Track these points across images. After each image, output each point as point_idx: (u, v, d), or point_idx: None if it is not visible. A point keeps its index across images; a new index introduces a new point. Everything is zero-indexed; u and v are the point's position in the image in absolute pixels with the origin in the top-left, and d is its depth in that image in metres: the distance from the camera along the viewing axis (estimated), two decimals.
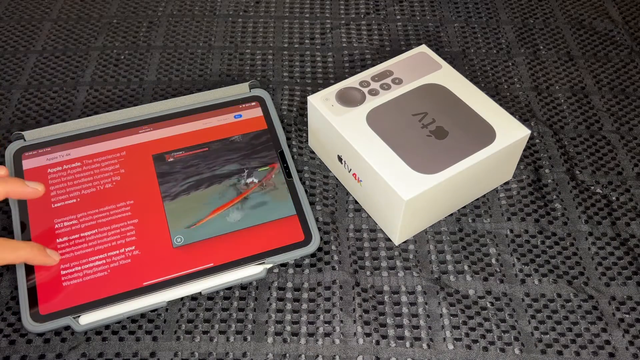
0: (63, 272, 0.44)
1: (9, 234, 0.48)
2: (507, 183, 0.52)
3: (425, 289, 0.46)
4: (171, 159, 0.50)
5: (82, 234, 0.46)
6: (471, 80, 0.60)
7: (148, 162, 0.50)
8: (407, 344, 0.43)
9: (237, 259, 0.46)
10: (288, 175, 0.50)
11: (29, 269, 0.44)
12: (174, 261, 0.45)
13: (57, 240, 0.46)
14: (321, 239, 0.48)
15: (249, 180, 0.49)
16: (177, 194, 0.48)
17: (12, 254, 0.40)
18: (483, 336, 0.43)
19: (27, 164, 0.49)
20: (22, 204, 0.47)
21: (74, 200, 0.48)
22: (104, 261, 0.45)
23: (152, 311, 0.44)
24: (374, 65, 0.60)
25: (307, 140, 0.56)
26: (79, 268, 0.45)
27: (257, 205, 0.48)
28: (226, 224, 0.47)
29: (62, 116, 0.58)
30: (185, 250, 0.46)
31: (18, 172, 0.49)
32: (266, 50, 0.64)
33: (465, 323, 0.44)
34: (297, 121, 0.57)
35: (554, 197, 0.51)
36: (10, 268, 0.47)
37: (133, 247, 0.46)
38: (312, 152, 0.55)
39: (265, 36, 0.65)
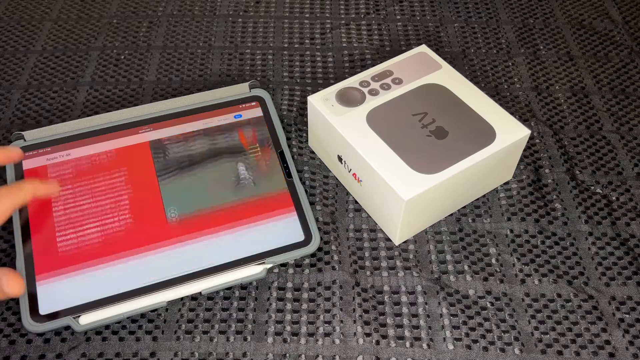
0: (59, 239, 0.46)
1: (8, 233, 0.49)
2: (507, 183, 0.52)
3: (425, 289, 0.46)
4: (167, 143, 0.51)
5: (76, 201, 0.47)
6: (471, 80, 0.60)
7: (148, 162, 0.50)
8: (407, 344, 0.43)
9: (230, 229, 0.47)
10: (288, 175, 0.50)
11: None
12: (168, 232, 0.46)
13: (53, 209, 0.47)
14: (321, 239, 0.48)
15: (243, 168, 0.50)
16: (172, 172, 0.50)
17: (17, 197, 0.42)
18: (483, 336, 0.43)
19: (27, 164, 0.49)
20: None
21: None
22: (98, 228, 0.46)
23: (152, 311, 0.44)
24: (374, 65, 0.60)
25: (307, 140, 0.56)
26: (74, 235, 0.46)
27: (249, 181, 0.50)
28: (219, 197, 0.48)
29: (62, 116, 0.58)
30: (179, 222, 0.47)
31: (18, 172, 0.49)
32: (266, 50, 0.64)
33: (465, 323, 0.44)
34: (297, 121, 0.57)
35: (554, 197, 0.51)
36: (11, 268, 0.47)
37: (127, 216, 0.47)
38: (312, 152, 0.55)
39: (265, 36, 0.65)
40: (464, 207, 0.51)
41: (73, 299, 0.43)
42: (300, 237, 0.47)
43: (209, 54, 0.63)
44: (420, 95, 0.51)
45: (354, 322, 0.44)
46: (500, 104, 0.58)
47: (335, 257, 0.47)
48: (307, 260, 0.47)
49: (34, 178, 0.47)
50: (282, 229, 0.47)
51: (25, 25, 0.67)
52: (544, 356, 0.42)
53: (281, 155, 0.51)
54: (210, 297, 0.45)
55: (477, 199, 0.51)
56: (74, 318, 0.43)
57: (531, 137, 0.56)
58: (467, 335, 0.43)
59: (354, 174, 0.49)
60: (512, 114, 0.57)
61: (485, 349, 0.43)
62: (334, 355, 0.42)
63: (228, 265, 0.45)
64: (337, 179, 0.53)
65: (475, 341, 0.43)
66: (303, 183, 0.52)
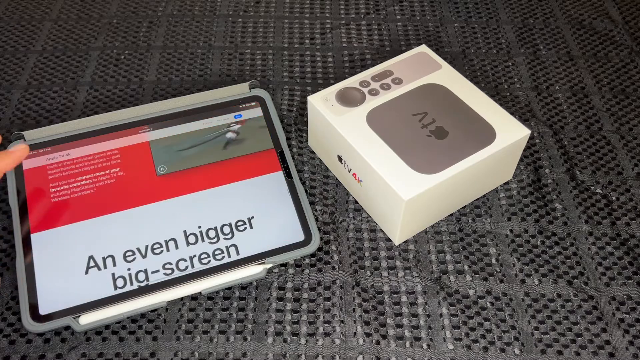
0: (52, 190, 0.47)
1: (8, 233, 0.49)
2: (507, 183, 0.52)
3: (425, 289, 0.46)
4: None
5: (70, 157, 0.50)
6: (471, 80, 0.60)
7: (148, 162, 0.50)
8: (407, 344, 0.43)
9: (219, 185, 0.49)
10: (288, 175, 0.50)
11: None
12: (158, 188, 0.48)
13: (48, 163, 0.49)
14: (321, 239, 0.48)
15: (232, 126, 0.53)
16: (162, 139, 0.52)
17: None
18: (483, 336, 0.43)
19: (27, 164, 0.49)
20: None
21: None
22: (90, 181, 0.48)
23: (152, 311, 0.44)
24: (374, 65, 0.60)
25: (307, 140, 0.56)
26: (67, 187, 0.48)
27: (233, 132, 0.52)
28: (208, 156, 0.50)
29: (62, 116, 0.58)
30: (169, 178, 0.49)
31: (18, 172, 0.49)
32: (266, 50, 0.64)
33: (465, 323, 0.44)
34: (297, 121, 0.57)
35: (554, 197, 0.51)
36: (10, 268, 0.47)
37: (118, 169, 0.49)
38: (312, 152, 0.55)
39: (265, 36, 0.65)
40: (464, 207, 0.51)
41: (73, 299, 0.43)
42: (300, 237, 0.47)
43: (209, 54, 0.63)
44: (420, 95, 0.51)
45: (354, 322, 0.44)
46: (500, 104, 0.58)
47: (335, 257, 0.47)
48: (307, 260, 0.47)
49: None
50: (282, 229, 0.47)
51: (25, 25, 0.67)
52: (544, 356, 0.42)
53: (281, 155, 0.51)
54: (210, 297, 0.45)
55: (477, 199, 0.51)
56: (74, 318, 0.43)
57: (531, 137, 0.56)
58: (467, 335, 0.43)
59: (354, 174, 0.49)
60: (512, 114, 0.57)
61: (485, 349, 0.43)
62: (334, 355, 0.42)
63: (228, 266, 0.45)
64: (337, 179, 0.53)
65: (475, 341, 0.43)
66: (303, 183, 0.52)
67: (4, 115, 0.58)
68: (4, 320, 0.44)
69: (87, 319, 0.43)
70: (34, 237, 0.46)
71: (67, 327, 0.43)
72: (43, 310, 0.43)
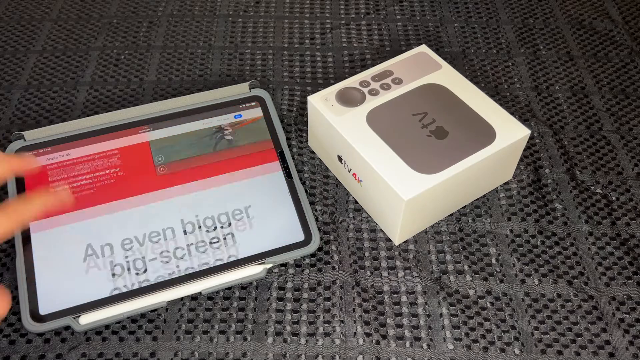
0: (52, 190, 0.48)
1: None
2: (507, 183, 0.52)
3: (425, 289, 0.46)
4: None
5: (70, 157, 0.50)
6: (471, 80, 0.60)
7: (148, 162, 0.50)
8: (407, 344, 0.43)
9: (218, 175, 0.49)
10: (288, 175, 0.50)
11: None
12: (158, 188, 0.48)
13: (48, 163, 0.49)
14: (321, 239, 0.48)
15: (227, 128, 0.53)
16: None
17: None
18: (483, 336, 0.43)
19: None
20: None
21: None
22: (90, 181, 0.49)
23: (152, 311, 0.44)
24: (374, 65, 0.60)
25: (307, 140, 0.56)
26: (67, 187, 0.48)
27: (233, 129, 0.52)
28: (208, 156, 0.51)
29: (62, 116, 0.58)
30: (169, 178, 0.49)
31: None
32: (266, 50, 0.64)
33: (465, 323, 0.44)
34: (297, 121, 0.57)
35: (554, 197, 0.51)
36: (10, 268, 0.47)
37: (118, 169, 0.49)
38: (312, 152, 0.55)
39: (265, 36, 0.65)
40: (464, 207, 0.51)
41: (73, 299, 0.43)
42: (300, 237, 0.47)
43: (209, 54, 0.63)
44: (420, 95, 0.51)
45: (354, 322, 0.44)
46: (500, 104, 0.58)
47: (335, 257, 0.47)
48: (307, 260, 0.47)
49: (41, 191, 0.45)
50: (281, 229, 0.47)
51: (25, 25, 0.67)
52: (544, 356, 0.42)
53: (281, 155, 0.51)
54: (210, 297, 0.45)
55: (477, 199, 0.51)
56: (74, 318, 0.43)
57: (531, 137, 0.56)
58: (467, 335, 0.43)
59: (354, 174, 0.49)
60: (512, 114, 0.57)
61: (485, 349, 0.43)
62: (334, 355, 0.42)
63: (228, 266, 0.45)
64: (337, 179, 0.53)
65: (475, 341, 0.43)
66: (303, 183, 0.52)
67: (4, 115, 0.58)
68: (4, 320, 0.44)
69: (87, 319, 0.43)
70: (34, 237, 0.46)
71: (67, 327, 0.43)
72: (43, 310, 0.43)
